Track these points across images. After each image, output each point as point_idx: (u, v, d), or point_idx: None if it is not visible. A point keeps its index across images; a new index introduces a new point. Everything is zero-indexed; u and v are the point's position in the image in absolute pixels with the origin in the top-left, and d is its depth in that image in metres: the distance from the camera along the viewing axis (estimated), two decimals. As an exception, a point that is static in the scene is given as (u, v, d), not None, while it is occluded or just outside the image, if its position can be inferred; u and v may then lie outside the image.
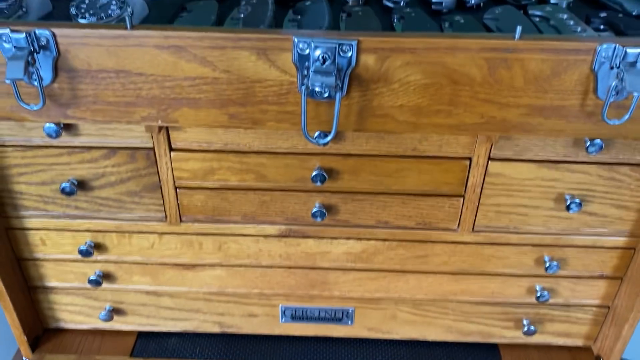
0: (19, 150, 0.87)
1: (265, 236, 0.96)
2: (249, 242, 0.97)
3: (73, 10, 0.83)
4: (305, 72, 0.71)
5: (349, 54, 0.70)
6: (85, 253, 0.96)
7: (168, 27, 0.72)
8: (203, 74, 0.72)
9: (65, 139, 0.86)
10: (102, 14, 0.83)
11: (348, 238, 0.96)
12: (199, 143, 0.86)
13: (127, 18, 0.70)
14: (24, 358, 1.09)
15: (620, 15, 0.92)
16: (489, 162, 0.86)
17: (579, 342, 1.11)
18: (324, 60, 0.70)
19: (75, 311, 1.09)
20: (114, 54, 0.71)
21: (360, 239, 0.96)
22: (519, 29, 0.70)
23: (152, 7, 0.91)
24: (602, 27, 0.89)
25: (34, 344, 1.10)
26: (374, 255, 0.98)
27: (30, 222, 0.96)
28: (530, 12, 0.94)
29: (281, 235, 0.96)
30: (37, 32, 0.69)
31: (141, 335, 1.13)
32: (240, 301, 1.07)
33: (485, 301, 1.04)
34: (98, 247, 0.98)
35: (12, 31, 0.69)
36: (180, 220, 0.94)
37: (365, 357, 1.10)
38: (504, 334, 1.10)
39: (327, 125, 0.76)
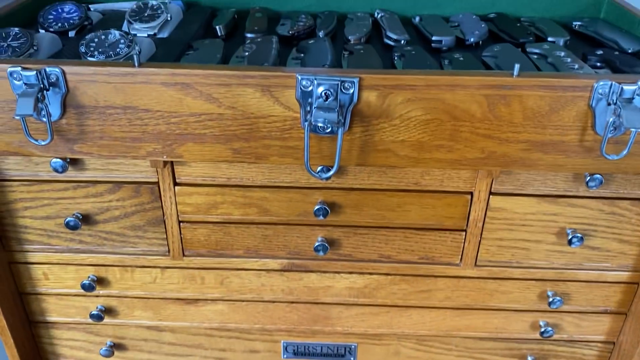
0: (25, 184, 0.88)
1: (268, 270, 0.96)
2: (251, 276, 0.97)
3: (82, 49, 0.85)
4: (308, 108, 0.72)
5: (351, 90, 0.71)
6: (88, 287, 0.96)
7: (175, 64, 0.74)
8: (208, 110, 0.74)
9: (71, 174, 0.87)
10: (111, 52, 0.85)
11: (350, 272, 0.96)
12: (203, 177, 0.87)
13: (135, 56, 0.72)
14: (22, 395, 1.08)
15: (616, 52, 0.94)
16: (491, 196, 0.87)
17: (585, 379, 1.09)
18: (327, 97, 0.71)
19: (75, 347, 1.08)
20: (121, 91, 0.73)
21: (362, 273, 0.96)
22: (517, 66, 0.71)
23: (159, 46, 0.94)
24: (598, 64, 0.91)
25: (34, 380, 1.08)
26: (376, 290, 0.98)
27: (33, 257, 0.96)
28: (528, 50, 0.96)
29: (283, 270, 0.96)
30: (47, 69, 0.71)
31: (141, 372, 1.11)
32: (242, 337, 1.06)
33: (489, 337, 1.03)
34: (100, 281, 0.98)
35: (23, 69, 0.71)
36: (183, 255, 0.94)
37: (368, 395, 1.08)
38: (509, 371, 1.08)
39: (329, 160, 0.77)
